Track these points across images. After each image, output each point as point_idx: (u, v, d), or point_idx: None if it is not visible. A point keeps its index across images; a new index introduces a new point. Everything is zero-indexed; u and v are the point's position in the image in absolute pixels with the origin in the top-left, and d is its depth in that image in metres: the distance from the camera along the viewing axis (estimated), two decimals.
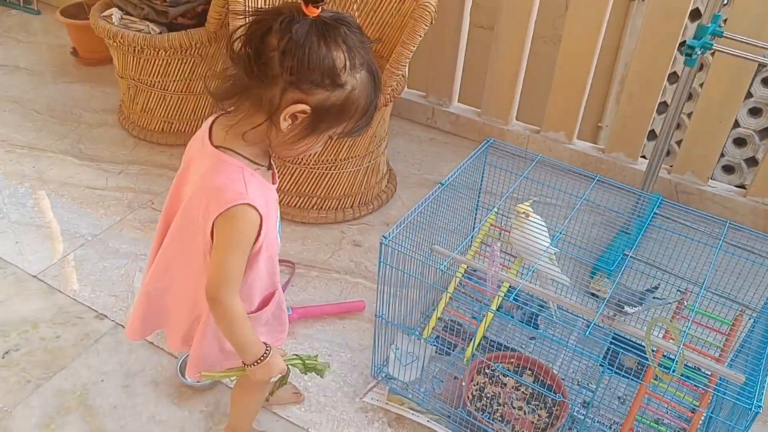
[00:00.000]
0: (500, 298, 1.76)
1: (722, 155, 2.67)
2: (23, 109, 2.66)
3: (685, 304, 1.58)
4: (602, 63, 2.79)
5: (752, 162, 2.67)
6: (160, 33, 2.27)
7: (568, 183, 1.74)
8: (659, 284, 1.58)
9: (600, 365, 1.67)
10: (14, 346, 1.71)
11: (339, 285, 1.95)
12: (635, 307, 1.34)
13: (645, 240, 2.09)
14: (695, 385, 1.56)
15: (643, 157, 2.42)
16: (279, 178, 2.06)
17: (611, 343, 1.75)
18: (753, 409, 1.08)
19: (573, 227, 1.78)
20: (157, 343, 1.73)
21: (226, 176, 1.00)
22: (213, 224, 1.01)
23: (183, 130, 2.48)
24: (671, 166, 2.34)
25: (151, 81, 2.36)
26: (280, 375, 1.18)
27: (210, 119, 1.06)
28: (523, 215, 1.67)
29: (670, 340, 1.51)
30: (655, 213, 2.17)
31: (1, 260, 1.95)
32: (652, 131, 2.69)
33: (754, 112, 2.60)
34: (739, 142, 2.65)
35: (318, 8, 0.90)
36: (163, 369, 1.66)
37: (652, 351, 1.38)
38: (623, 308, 1.34)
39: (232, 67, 0.96)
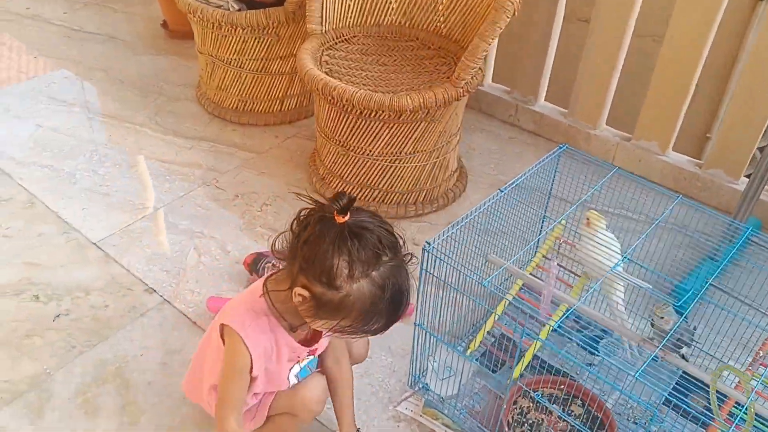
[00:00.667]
0: (557, 319, 1.62)
1: None
2: (109, 78, 2.73)
3: (766, 349, 1.39)
4: (717, 66, 2.54)
5: None
6: (239, 10, 2.25)
7: (647, 199, 1.56)
8: (695, 328, 1.40)
9: (663, 404, 1.51)
10: (65, 310, 1.73)
11: None
12: (689, 346, 1.18)
13: (733, 269, 1.87)
14: None
15: (747, 176, 2.18)
16: (341, 166, 2.00)
17: (678, 382, 1.58)
18: None
19: (651, 247, 1.61)
20: (199, 324, 1.71)
21: (245, 305, 1.18)
22: (221, 331, 1.20)
23: (256, 109, 2.46)
24: None
25: (227, 58, 2.34)
26: None
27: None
28: (593, 224, 1.52)
29: (743, 391, 1.33)
30: (748, 240, 1.95)
31: (67, 225, 2.00)
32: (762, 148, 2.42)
33: None
34: None
35: (343, 218, 1.02)
36: None
37: (719, 400, 1.21)
38: (680, 348, 1.19)
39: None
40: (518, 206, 1.59)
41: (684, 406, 1.20)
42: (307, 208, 1.08)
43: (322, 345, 1.26)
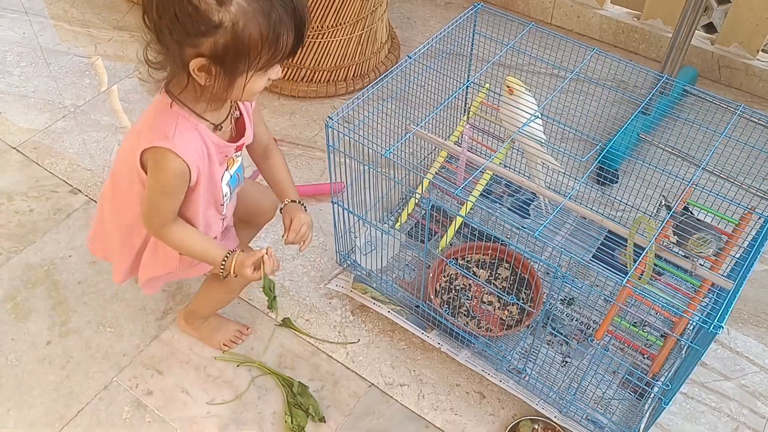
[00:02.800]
0: (484, 184, 1.61)
1: None
2: None
3: (687, 199, 1.39)
4: None
5: None
6: None
7: (576, 55, 1.50)
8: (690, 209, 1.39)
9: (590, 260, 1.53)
10: None
11: (322, 165, 1.83)
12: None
13: (669, 123, 1.85)
14: (687, 291, 1.41)
15: None
16: None
17: (606, 237, 1.60)
18: (711, 329, 0.93)
19: (581, 105, 1.57)
20: None
21: (161, 120, 1.04)
22: (141, 161, 1.07)
23: None
24: (714, 36, 2.03)
25: None
26: (263, 281, 1.17)
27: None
28: (515, 90, 1.47)
29: (664, 238, 1.34)
30: (683, 92, 1.91)
31: None
32: None
33: None
34: None
35: None
36: None
37: (636, 251, 1.22)
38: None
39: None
40: (441, 74, 1.53)
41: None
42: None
43: (248, 137, 1.17)
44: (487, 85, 1.60)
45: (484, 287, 1.45)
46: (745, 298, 1.56)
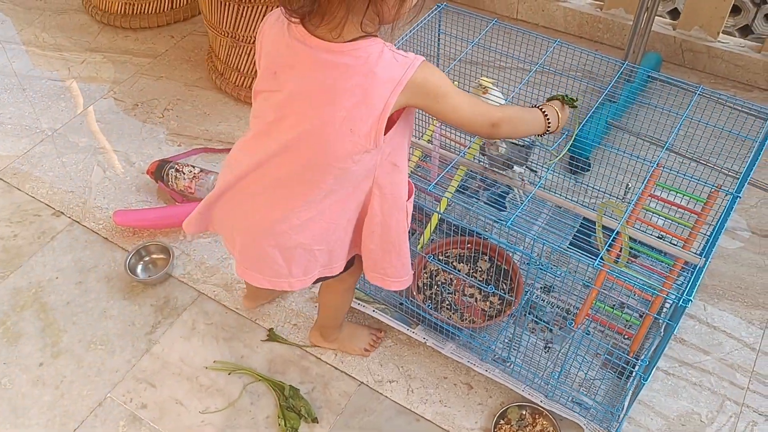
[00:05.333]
0: (459, 180, 1.64)
1: (751, 32, 2.35)
2: None
3: (656, 180, 1.43)
4: None
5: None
6: None
7: (536, 48, 1.54)
8: (534, 142, 1.44)
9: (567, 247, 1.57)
10: None
11: None
12: (521, 166, 1.24)
13: (637, 109, 1.89)
14: (662, 270, 1.45)
15: None
16: (236, 60, 1.92)
17: (582, 224, 1.64)
18: (681, 304, 0.97)
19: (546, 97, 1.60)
20: (111, 239, 1.70)
21: (383, 57, 0.91)
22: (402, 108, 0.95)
23: (146, 11, 2.33)
24: (676, 21, 2.08)
25: None
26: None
27: (298, 28, 0.93)
28: (481, 90, 1.51)
29: (631, 225, 1.38)
30: (647, 78, 1.96)
31: None
32: None
33: None
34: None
35: None
36: (116, 265, 1.64)
37: (606, 235, 1.26)
38: (512, 167, 1.23)
39: None
40: None
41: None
42: None
43: None
44: (456, 84, 1.64)
45: (464, 280, 1.49)
46: (720, 274, 1.60)
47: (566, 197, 1.69)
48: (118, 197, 1.80)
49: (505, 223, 1.11)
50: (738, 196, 1.12)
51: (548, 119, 1.11)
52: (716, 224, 1.11)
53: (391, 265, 1.12)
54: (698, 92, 1.33)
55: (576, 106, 1.18)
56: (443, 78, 0.96)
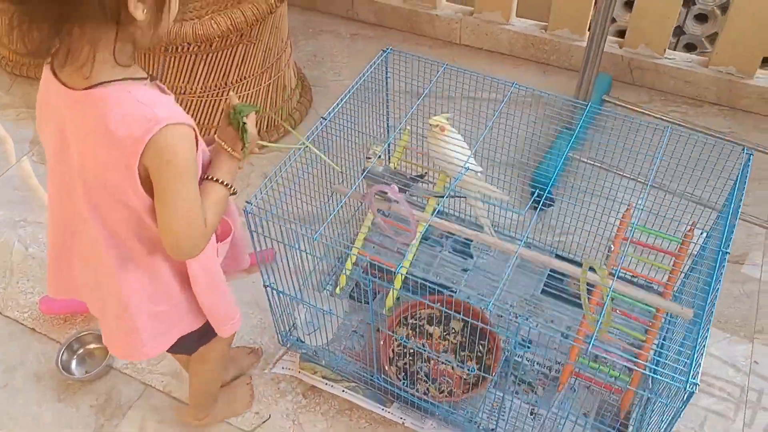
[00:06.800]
0: (419, 237, 1.53)
1: (683, 32, 2.34)
2: None
3: (629, 221, 1.35)
4: None
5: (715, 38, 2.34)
6: None
7: (490, 87, 1.44)
8: (426, 173, 1.40)
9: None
10: None
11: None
12: (401, 193, 1.13)
13: (594, 133, 1.82)
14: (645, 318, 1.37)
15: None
16: None
17: (552, 271, 1.55)
18: (687, 388, 0.88)
19: (505, 133, 1.51)
20: (39, 329, 1.51)
21: (121, 110, 0.79)
22: (139, 171, 0.80)
23: None
24: (622, 39, 2.03)
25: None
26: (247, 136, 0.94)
27: (46, 72, 0.83)
28: (438, 129, 1.40)
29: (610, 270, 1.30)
30: (602, 100, 1.90)
31: None
32: None
33: None
34: (701, 17, 2.31)
35: None
36: (46, 360, 1.46)
37: (589, 291, 1.17)
38: (386, 194, 1.13)
39: (20, 10, 0.74)
40: (358, 131, 1.44)
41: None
42: None
43: None
44: (408, 128, 1.53)
45: (440, 345, 1.38)
46: None
47: (532, 238, 1.61)
48: (45, 278, 1.61)
49: (486, 305, 1.00)
50: (727, 252, 1.04)
51: (227, 185, 0.92)
52: (710, 286, 1.02)
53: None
54: (668, 131, 1.25)
55: (258, 110, 0.99)
56: (177, 163, 0.81)
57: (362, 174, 1.38)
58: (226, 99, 0.96)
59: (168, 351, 1.06)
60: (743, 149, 1.16)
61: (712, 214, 1.33)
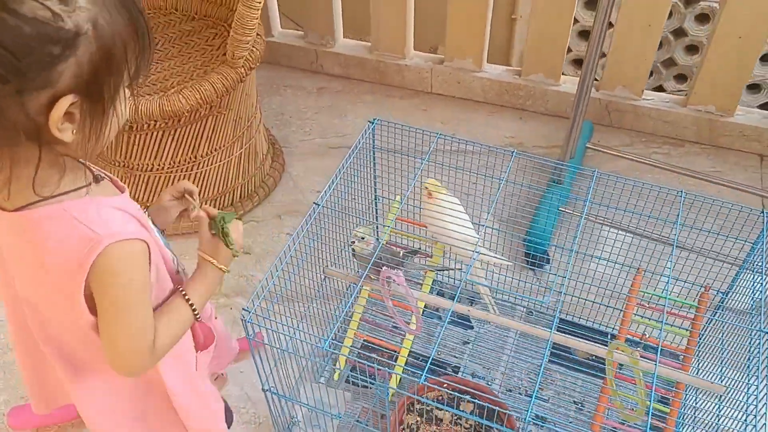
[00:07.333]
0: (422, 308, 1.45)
1: (674, 63, 2.35)
2: None
3: (639, 286, 1.29)
4: None
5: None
6: None
7: (480, 155, 1.37)
8: (420, 248, 1.37)
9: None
10: None
11: (226, 312, 1.59)
12: (395, 269, 1.08)
13: (581, 182, 1.77)
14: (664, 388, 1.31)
15: (564, 74, 2.07)
16: (131, 189, 1.64)
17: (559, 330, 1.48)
18: None
19: (491, 190, 1.44)
20: None
21: (56, 236, 0.71)
22: (84, 293, 0.74)
23: None
24: (598, 81, 2.00)
25: None
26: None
27: None
28: (435, 194, 1.33)
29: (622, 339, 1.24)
30: (586, 147, 1.86)
31: None
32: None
33: (702, 18, 2.25)
34: (691, 48, 2.32)
35: None
36: None
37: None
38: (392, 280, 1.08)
39: None
40: (348, 214, 1.35)
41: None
42: None
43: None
44: (398, 198, 1.45)
45: (452, 429, 1.29)
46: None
47: (530, 298, 1.54)
48: (10, 386, 1.47)
49: (498, 396, 0.92)
50: (765, 332, 0.98)
51: (194, 310, 0.86)
52: (755, 375, 0.96)
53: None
54: (682, 196, 1.20)
55: (240, 217, 0.97)
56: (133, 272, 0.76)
57: (352, 255, 1.30)
58: (202, 211, 0.89)
59: None
60: (762, 211, 1.11)
61: (722, 269, 1.29)
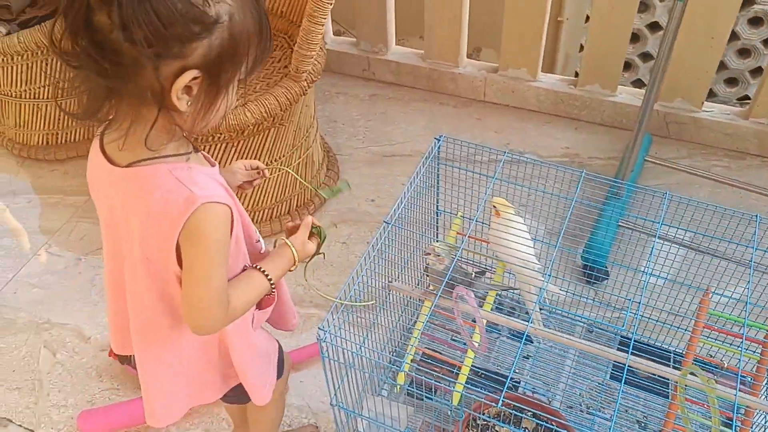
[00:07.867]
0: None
1: (725, 67, 2.31)
2: None
3: (708, 307, 1.28)
4: None
5: (758, 72, 2.30)
6: (8, 33, 1.79)
7: (546, 174, 1.36)
8: (486, 269, 1.38)
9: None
10: None
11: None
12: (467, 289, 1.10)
13: (639, 195, 1.75)
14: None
15: (622, 84, 2.05)
16: None
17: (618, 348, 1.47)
18: None
19: (550, 206, 1.43)
20: None
21: (161, 190, 0.80)
22: (176, 248, 0.82)
23: (72, 139, 2.05)
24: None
25: (16, 92, 1.89)
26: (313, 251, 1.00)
27: (95, 142, 0.85)
28: (503, 213, 1.32)
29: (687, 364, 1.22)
30: (644, 160, 1.84)
31: None
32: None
33: (755, 22, 2.21)
34: (744, 52, 2.28)
35: None
36: None
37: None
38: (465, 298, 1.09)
39: (76, 74, 0.75)
40: (412, 231, 1.36)
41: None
42: (55, 19, 0.73)
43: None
44: (460, 213, 1.45)
45: None
46: None
47: (590, 315, 1.52)
48: (78, 388, 1.51)
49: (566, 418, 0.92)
50: None
51: (268, 277, 0.92)
52: None
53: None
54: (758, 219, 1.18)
55: (325, 236, 1.03)
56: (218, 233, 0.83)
57: (425, 270, 1.31)
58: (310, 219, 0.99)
59: (222, 400, 1.08)
60: None
61: None
